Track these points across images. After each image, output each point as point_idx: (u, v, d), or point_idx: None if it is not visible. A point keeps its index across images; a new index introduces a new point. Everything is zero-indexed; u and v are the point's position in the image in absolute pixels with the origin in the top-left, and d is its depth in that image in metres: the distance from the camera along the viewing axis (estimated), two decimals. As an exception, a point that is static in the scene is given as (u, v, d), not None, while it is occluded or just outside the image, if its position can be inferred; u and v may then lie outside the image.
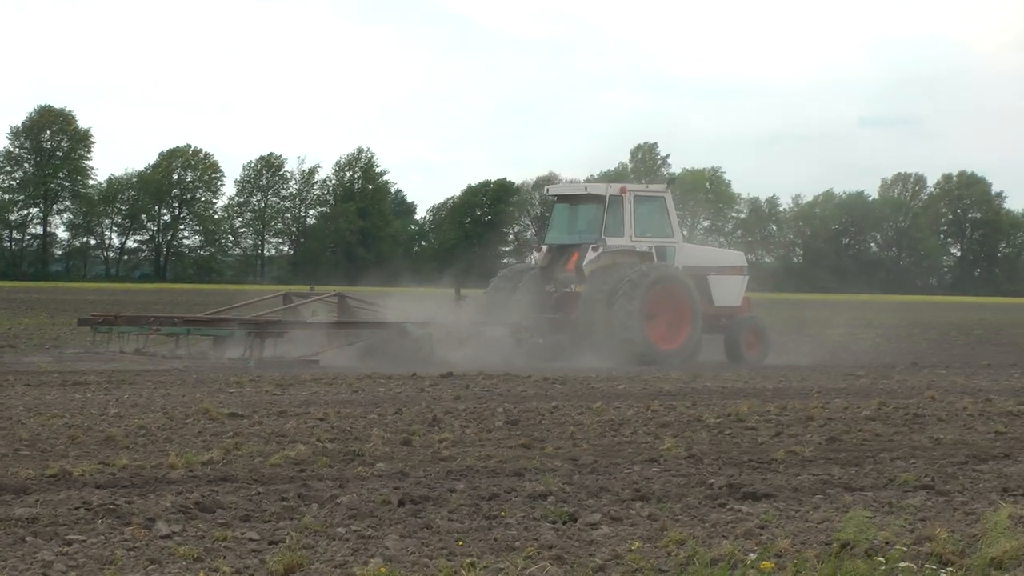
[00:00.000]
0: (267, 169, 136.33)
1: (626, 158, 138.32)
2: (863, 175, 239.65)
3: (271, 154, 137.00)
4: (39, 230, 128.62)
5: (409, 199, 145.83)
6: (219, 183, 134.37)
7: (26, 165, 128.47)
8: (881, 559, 9.35)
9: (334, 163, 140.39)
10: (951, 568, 9.35)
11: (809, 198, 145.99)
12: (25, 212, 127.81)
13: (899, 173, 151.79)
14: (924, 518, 11.27)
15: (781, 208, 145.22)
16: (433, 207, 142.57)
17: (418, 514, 11.05)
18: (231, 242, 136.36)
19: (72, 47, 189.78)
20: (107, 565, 9.07)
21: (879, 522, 10.83)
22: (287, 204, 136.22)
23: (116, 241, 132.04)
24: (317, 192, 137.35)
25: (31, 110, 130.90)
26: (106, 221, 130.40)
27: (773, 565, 9.17)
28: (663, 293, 29.83)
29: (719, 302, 31.14)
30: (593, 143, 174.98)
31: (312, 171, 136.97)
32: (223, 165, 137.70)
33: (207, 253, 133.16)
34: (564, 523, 10.87)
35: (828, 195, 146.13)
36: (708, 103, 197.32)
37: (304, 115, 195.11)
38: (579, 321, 29.79)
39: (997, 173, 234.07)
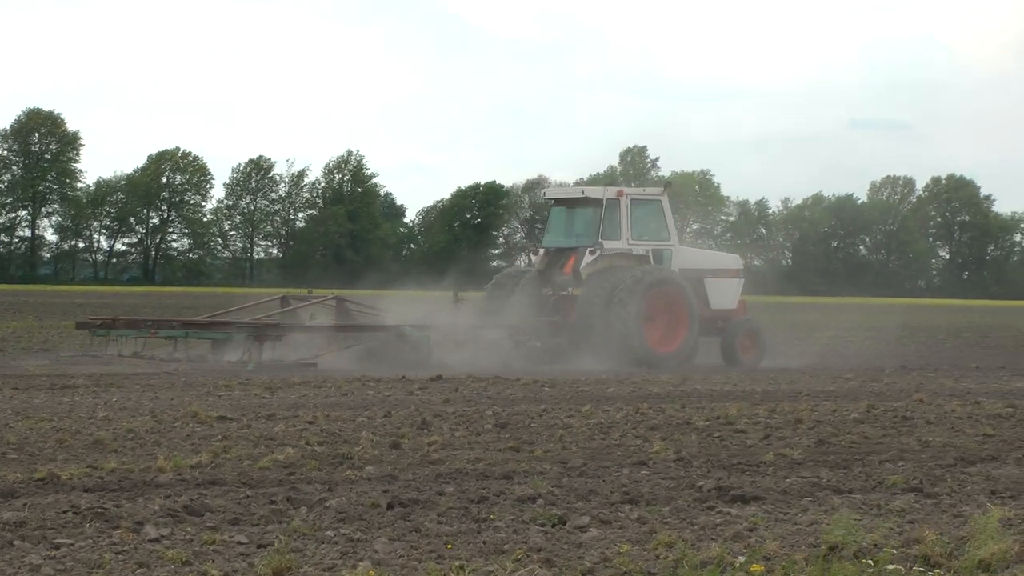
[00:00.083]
0: (256, 172, 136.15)
1: (615, 161, 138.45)
2: (852, 178, 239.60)
3: (260, 157, 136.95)
4: (27, 233, 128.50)
5: (398, 202, 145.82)
6: (208, 186, 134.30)
7: (14, 168, 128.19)
8: (869, 561, 9.36)
9: (323, 166, 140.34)
10: (939, 570, 9.37)
11: (798, 201, 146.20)
12: (13, 215, 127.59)
13: (888, 176, 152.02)
14: (912, 520, 11.29)
15: (770, 211, 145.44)
16: (422, 210, 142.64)
17: (407, 517, 11.05)
18: (220, 245, 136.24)
19: (61, 50, 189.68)
20: (95, 569, 9.06)
21: (867, 524, 10.85)
22: (276, 207, 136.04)
23: (104, 244, 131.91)
24: (306, 195, 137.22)
25: (20, 112, 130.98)
26: (94, 224, 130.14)
27: (762, 568, 9.18)
28: (660, 296, 29.89)
29: (715, 305, 31.20)
30: (583, 146, 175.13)
31: (301, 174, 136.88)
32: (212, 168, 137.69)
33: (196, 256, 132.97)
34: (553, 526, 10.87)
35: (817, 198, 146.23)
36: (698, 106, 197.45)
37: (293, 118, 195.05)
38: (576, 324, 29.83)
39: (986, 176, 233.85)
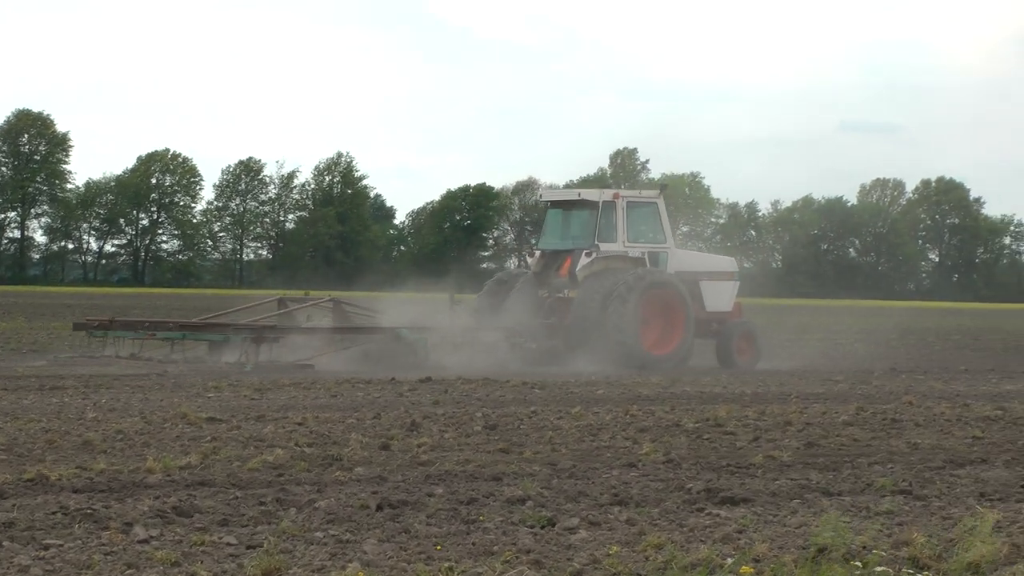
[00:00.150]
0: (246, 173, 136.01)
1: (606, 163, 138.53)
2: (842, 180, 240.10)
3: (250, 158, 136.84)
4: (17, 234, 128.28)
5: (388, 204, 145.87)
6: (198, 187, 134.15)
7: (4, 169, 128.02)
8: (858, 564, 9.37)
9: (313, 168, 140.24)
10: (928, 572, 9.38)
11: (788, 203, 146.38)
12: (3, 216, 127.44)
13: (878, 179, 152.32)
14: (901, 523, 11.30)
15: (760, 213, 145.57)
16: (412, 212, 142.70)
17: (396, 519, 11.05)
18: (210, 246, 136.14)
19: (51, 51, 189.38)
20: (84, 569, 9.05)
21: (856, 526, 10.86)
22: (266, 208, 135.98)
23: (94, 245, 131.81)
24: (296, 197, 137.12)
25: (9, 114, 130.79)
26: (84, 225, 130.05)
27: (751, 569, 9.18)
28: (656, 298, 29.92)
29: (711, 307, 31.24)
30: (573, 148, 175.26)
31: (291, 175, 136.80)
32: (202, 169, 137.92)
33: (186, 257, 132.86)
34: (542, 527, 10.87)
35: (807, 200, 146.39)
36: (688, 108, 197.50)
37: (283, 120, 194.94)
38: (572, 326, 29.85)
39: (975, 179, 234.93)
